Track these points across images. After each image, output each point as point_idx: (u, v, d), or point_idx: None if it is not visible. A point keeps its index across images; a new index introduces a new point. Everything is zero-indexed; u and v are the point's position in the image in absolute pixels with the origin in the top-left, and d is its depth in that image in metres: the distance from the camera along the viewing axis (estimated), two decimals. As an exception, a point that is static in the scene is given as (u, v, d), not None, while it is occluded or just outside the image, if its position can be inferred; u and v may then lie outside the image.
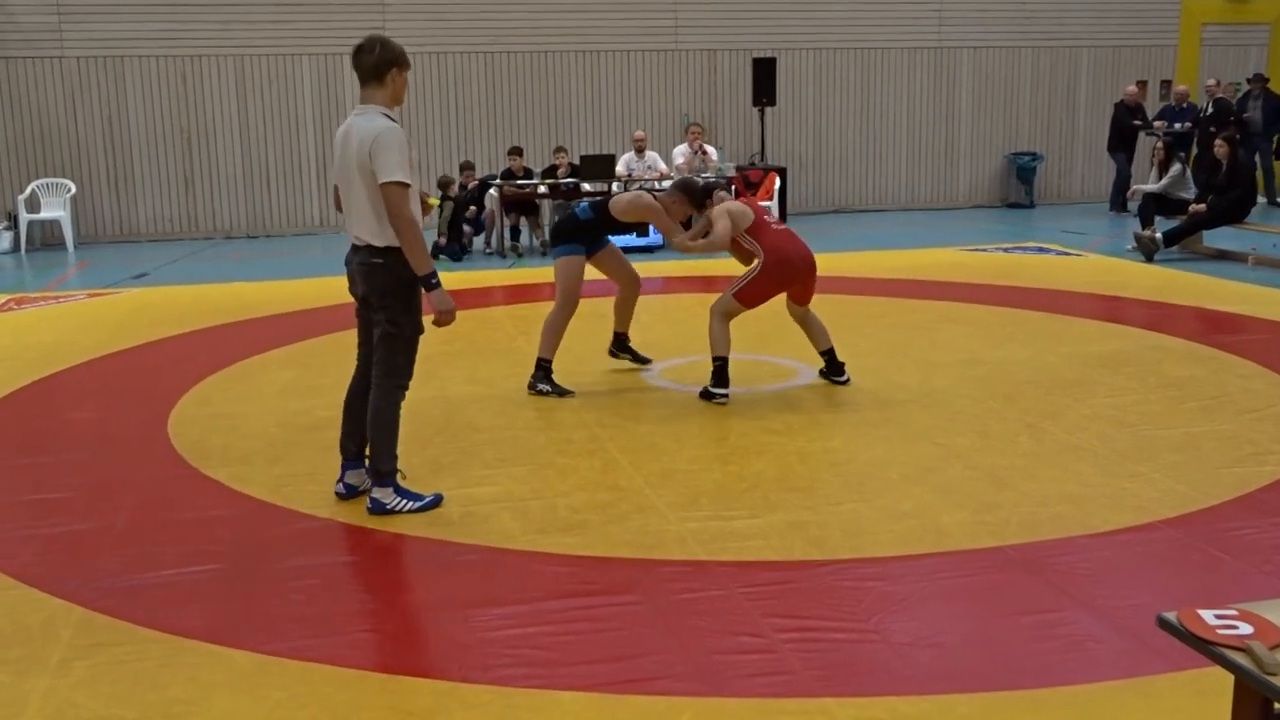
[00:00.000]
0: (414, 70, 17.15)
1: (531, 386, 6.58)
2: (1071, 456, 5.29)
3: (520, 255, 12.69)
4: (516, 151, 13.06)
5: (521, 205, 12.97)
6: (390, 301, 4.55)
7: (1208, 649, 2.20)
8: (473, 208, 12.93)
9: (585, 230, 6.66)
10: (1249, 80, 16.13)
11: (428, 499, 4.77)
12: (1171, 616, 2.29)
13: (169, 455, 5.59)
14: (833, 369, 6.70)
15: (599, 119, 15.65)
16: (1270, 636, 2.19)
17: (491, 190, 12.93)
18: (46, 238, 14.10)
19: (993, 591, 3.91)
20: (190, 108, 14.50)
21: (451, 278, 11.08)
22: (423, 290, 4.59)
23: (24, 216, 13.54)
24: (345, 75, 14.53)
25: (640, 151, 13.38)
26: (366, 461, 4.83)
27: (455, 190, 12.67)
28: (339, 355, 7.67)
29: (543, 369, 6.60)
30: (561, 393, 6.52)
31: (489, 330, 8.48)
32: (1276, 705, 2.17)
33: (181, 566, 4.21)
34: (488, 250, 12.97)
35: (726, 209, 6.51)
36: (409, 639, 3.67)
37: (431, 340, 8.30)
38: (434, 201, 12.27)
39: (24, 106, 14.08)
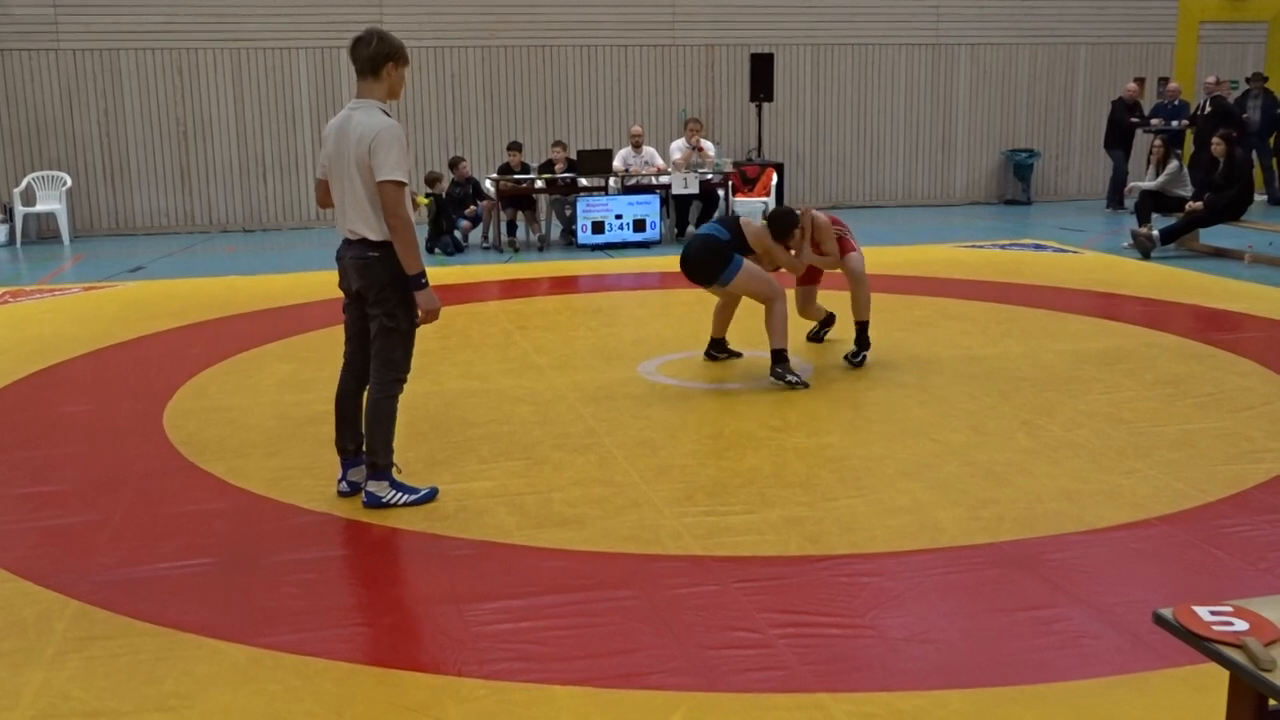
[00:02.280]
0: (411, 64, 17.02)
1: (779, 377, 6.48)
2: (1067, 453, 5.30)
3: (516, 250, 12.68)
4: (515, 147, 13.05)
5: (518, 200, 12.96)
6: (387, 295, 4.55)
7: (1203, 645, 2.20)
8: (473, 207, 12.90)
9: (732, 248, 6.58)
10: (1248, 80, 16.16)
11: (423, 492, 4.77)
12: (1167, 613, 2.29)
13: (165, 448, 5.59)
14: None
15: (596, 114, 15.63)
16: (1265, 633, 2.19)
17: (488, 184, 12.92)
18: (42, 231, 14.07)
19: (988, 587, 3.91)
20: (186, 101, 14.47)
21: (449, 272, 11.09)
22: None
23: (19, 209, 13.51)
24: (343, 68, 14.51)
25: (637, 147, 13.37)
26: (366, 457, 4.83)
27: (446, 186, 12.64)
28: (336, 349, 7.61)
29: (782, 359, 6.53)
30: (800, 381, 6.49)
31: (485, 325, 8.47)
32: (1271, 701, 2.17)
33: (177, 560, 4.21)
34: (484, 245, 12.96)
35: (829, 233, 7.03)
36: (404, 633, 3.67)
37: (427, 335, 8.28)
38: (422, 200, 12.24)
39: (19, 99, 14.04)
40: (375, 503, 4.70)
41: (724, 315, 7.07)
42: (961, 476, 5.01)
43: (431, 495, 4.78)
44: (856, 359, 7.00)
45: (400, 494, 4.73)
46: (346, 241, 4.61)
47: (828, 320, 7.68)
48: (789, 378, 6.46)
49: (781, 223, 6.80)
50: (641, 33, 15.57)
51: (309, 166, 14.88)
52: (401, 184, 4.41)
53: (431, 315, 4.60)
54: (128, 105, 14.32)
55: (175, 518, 4.66)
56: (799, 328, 7.45)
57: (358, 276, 4.58)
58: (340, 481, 4.88)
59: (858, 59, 16.37)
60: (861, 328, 7.07)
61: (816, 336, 7.71)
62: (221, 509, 4.76)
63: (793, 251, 6.92)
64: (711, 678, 3.31)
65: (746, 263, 6.56)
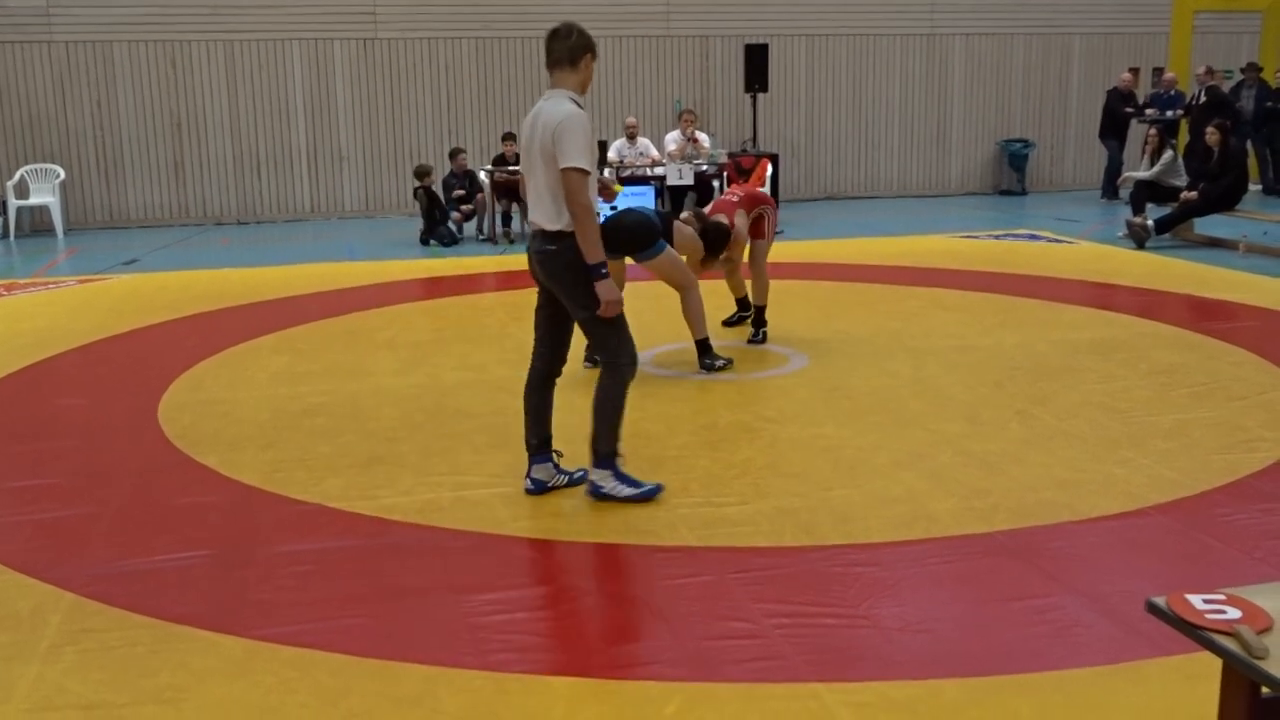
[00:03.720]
0: (404, 55, 17.03)
1: (709, 368, 6.66)
2: (1062, 442, 5.30)
3: (511, 241, 12.66)
4: (510, 137, 13.02)
5: (513, 191, 12.93)
6: (572, 286, 4.48)
7: (1196, 634, 2.21)
8: (469, 205, 12.85)
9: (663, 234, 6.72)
10: (1242, 69, 16.15)
11: (646, 488, 4.63)
12: (1160, 601, 2.30)
13: (160, 441, 5.58)
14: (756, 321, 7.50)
15: (591, 105, 15.48)
16: (1258, 621, 2.20)
17: (482, 175, 12.90)
18: (35, 224, 14.04)
19: (982, 577, 3.92)
20: (179, 93, 14.43)
21: (444, 264, 11.08)
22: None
23: (13, 202, 13.48)
24: (335, 60, 14.48)
25: (632, 138, 13.36)
26: (555, 456, 4.77)
27: (439, 177, 12.61)
28: (330, 341, 7.66)
29: (707, 349, 6.74)
30: (728, 361, 6.75)
31: (480, 316, 8.47)
32: (1264, 690, 2.18)
33: (172, 553, 4.21)
34: (480, 237, 12.94)
35: (740, 245, 7.29)
36: (399, 624, 3.66)
37: (423, 327, 8.29)
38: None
39: (12, 92, 14.00)
40: (598, 493, 4.60)
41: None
42: (956, 466, 5.01)
43: (655, 491, 4.64)
44: (757, 338, 7.38)
45: (623, 485, 4.60)
46: (532, 234, 4.57)
47: (744, 308, 7.82)
48: (718, 364, 6.67)
49: (718, 240, 7.08)
50: (636, 24, 15.55)
51: (302, 158, 14.86)
52: (585, 171, 4.32)
53: (612, 308, 4.45)
54: (121, 98, 14.28)
55: (170, 511, 4.66)
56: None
57: (540, 269, 4.55)
58: (525, 479, 4.77)
59: (852, 49, 16.35)
60: (759, 311, 7.44)
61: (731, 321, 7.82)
62: (216, 502, 4.75)
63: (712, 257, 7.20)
64: (707, 668, 3.31)
65: (668, 253, 6.63)
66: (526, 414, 4.78)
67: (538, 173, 4.43)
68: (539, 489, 4.74)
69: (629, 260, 6.71)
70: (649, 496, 4.62)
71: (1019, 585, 3.84)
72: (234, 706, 3.16)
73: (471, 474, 5.01)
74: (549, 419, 4.79)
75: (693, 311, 6.69)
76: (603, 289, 4.42)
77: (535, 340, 4.77)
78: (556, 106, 4.40)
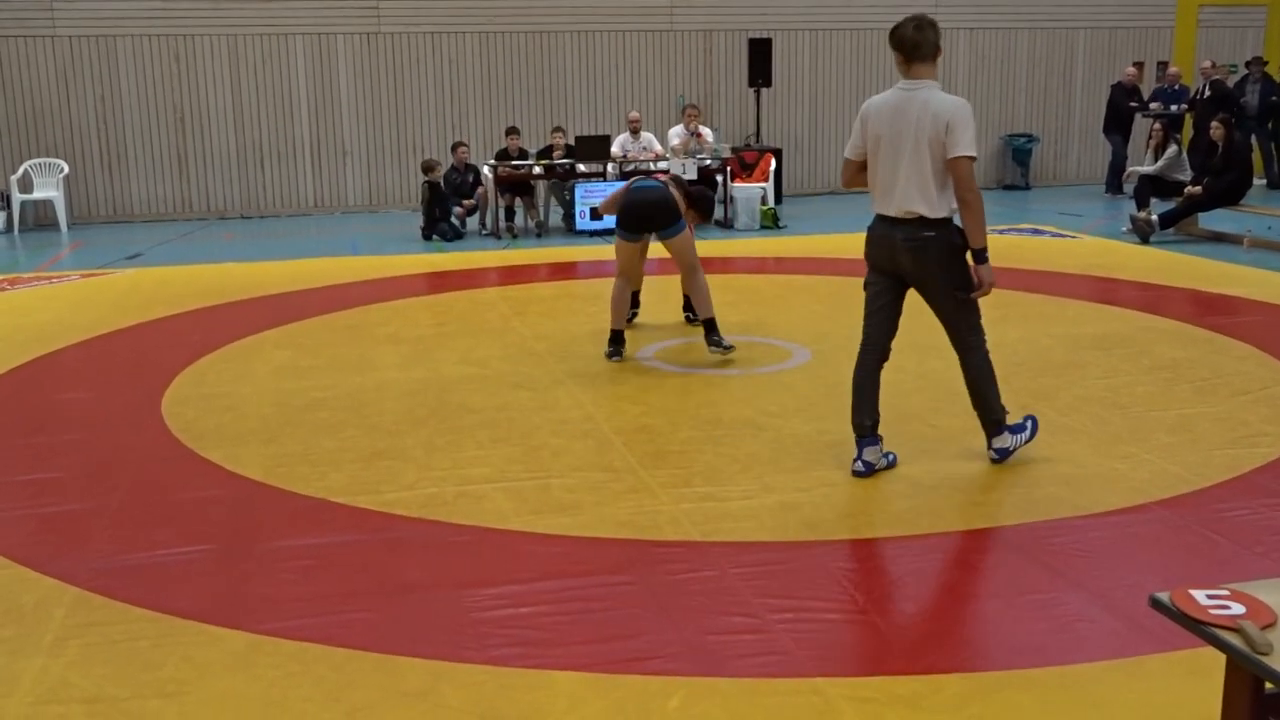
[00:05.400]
0: (407, 50, 16.96)
1: (717, 344, 6.70)
2: (1065, 438, 5.30)
3: (515, 236, 12.66)
4: (513, 131, 13.01)
5: (516, 186, 12.93)
6: (949, 270, 4.62)
7: (1200, 629, 2.20)
8: (470, 200, 12.84)
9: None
10: (1247, 64, 16.12)
11: (1028, 427, 4.95)
12: (1164, 597, 2.30)
13: (163, 436, 5.58)
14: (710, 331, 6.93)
15: (594, 99, 15.59)
16: (1262, 616, 2.19)
17: (485, 170, 12.89)
18: (39, 218, 14.04)
19: (985, 572, 3.92)
20: (183, 87, 14.43)
21: (446, 259, 11.08)
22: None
23: (16, 197, 13.48)
24: (339, 54, 14.47)
25: (635, 132, 13.34)
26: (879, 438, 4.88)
27: (442, 172, 12.60)
28: (333, 336, 7.67)
29: (714, 327, 6.78)
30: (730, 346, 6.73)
31: (483, 311, 8.46)
32: (1268, 685, 2.18)
33: (175, 546, 4.21)
34: (483, 231, 12.93)
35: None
36: (402, 619, 3.67)
37: (425, 321, 8.29)
38: None
39: (16, 86, 14.00)
40: (1005, 456, 4.86)
41: (624, 300, 6.98)
42: (959, 462, 5.01)
43: (1034, 425, 4.98)
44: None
45: (1017, 436, 4.89)
46: (892, 220, 4.64)
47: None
48: (725, 343, 6.66)
49: (704, 202, 7.21)
50: (639, 18, 15.52)
51: (306, 153, 14.85)
52: (974, 158, 4.48)
53: (988, 289, 4.66)
54: (124, 92, 14.28)
55: (173, 505, 4.66)
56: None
57: (910, 256, 4.62)
58: (855, 461, 4.83)
59: (856, 44, 16.32)
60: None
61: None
62: (220, 496, 4.76)
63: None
64: (709, 663, 3.31)
65: (688, 229, 6.82)
66: (860, 397, 4.85)
67: (922, 160, 4.51)
68: (869, 471, 4.81)
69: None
70: (1034, 431, 4.96)
71: (1022, 580, 3.84)
72: (236, 700, 3.17)
73: (474, 469, 5.01)
74: (878, 401, 4.86)
75: (701, 290, 6.79)
76: (985, 271, 4.62)
77: (868, 332, 4.89)
78: (937, 96, 4.53)
